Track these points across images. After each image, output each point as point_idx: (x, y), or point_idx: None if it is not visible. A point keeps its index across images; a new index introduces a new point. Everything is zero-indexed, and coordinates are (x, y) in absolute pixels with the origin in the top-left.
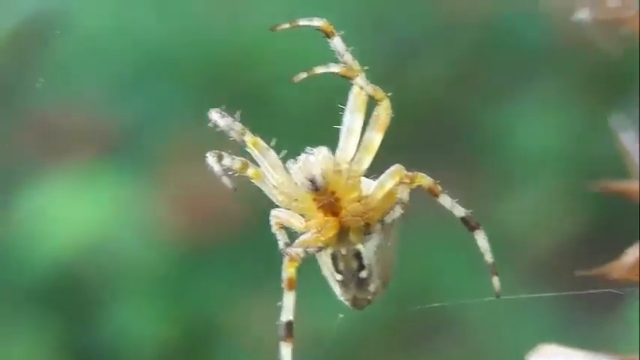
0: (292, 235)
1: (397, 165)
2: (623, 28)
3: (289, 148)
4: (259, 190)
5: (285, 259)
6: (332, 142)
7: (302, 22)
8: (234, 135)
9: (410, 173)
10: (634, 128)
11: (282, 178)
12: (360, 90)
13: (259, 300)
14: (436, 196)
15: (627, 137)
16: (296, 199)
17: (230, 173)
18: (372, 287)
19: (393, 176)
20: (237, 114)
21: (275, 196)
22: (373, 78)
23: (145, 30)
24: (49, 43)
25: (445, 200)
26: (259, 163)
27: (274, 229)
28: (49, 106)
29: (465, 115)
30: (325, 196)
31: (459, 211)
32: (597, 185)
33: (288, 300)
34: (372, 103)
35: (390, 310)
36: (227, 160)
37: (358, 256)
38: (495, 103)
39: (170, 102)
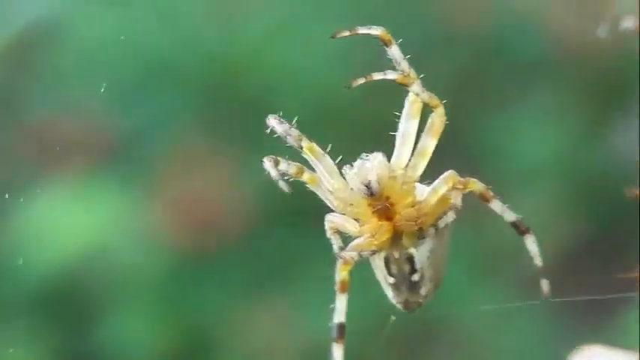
0: (346, 240)
1: (451, 171)
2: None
3: (288, 155)
4: (259, 198)
5: (339, 263)
6: (337, 145)
7: (361, 31)
8: (291, 141)
9: (462, 179)
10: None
11: (338, 183)
12: (415, 97)
13: (257, 309)
14: (487, 201)
15: None
16: (351, 204)
17: (286, 178)
18: (423, 290)
19: (447, 181)
20: (294, 121)
21: (330, 201)
22: (372, 85)
23: (144, 39)
24: (48, 52)
25: (496, 205)
26: (315, 168)
27: (329, 233)
28: (47, 115)
29: (463, 124)
30: (380, 201)
31: (510, 216)
32: (632, 192)
33: (341, 302)
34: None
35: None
36: (283, 166)
37: (411, 260)
38: (494, 112)
39: (169, 111)
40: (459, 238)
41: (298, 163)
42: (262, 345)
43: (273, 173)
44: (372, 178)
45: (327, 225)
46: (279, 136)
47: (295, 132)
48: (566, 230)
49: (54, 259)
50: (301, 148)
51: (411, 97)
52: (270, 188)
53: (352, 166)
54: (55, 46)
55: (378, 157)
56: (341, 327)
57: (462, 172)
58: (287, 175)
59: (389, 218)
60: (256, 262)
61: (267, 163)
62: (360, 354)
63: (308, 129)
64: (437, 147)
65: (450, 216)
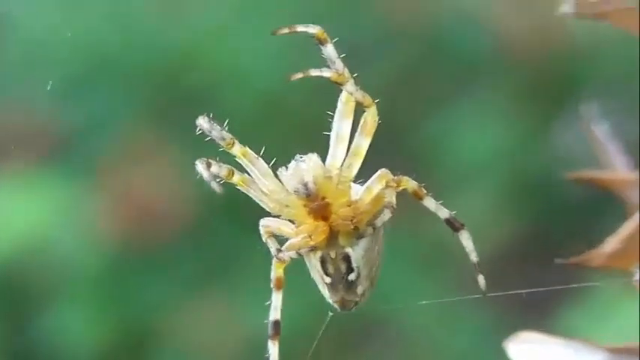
0: (282, 242)
1: (383, 169)
2: (603, 21)
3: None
4: (202, 194)
5: (274, 260)
6: (276, 143)
7: (299, 29)
8: (223, 144)
9: (395, 177)
10: (604, 119)
11: (272, 185)
12: (348, 97)
13: (197, 303)
14: (421, 198)
15: (599, 127)
16: (287, 206)
17: (217, 180)
18: (360, 289)
19: (380, 180)
20: (225, 124)
21: (265, 203)
22: (316, 84)
23: (90, 35)
24: None
25: (430, 203)
26: (249, 171)
27: (264, 237)
28: None
29: (404, 122)
30: (316, 201)
31: (444, 213)
32: (572, 175)
33: (276, 299)
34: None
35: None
36: (215, 168)
37: (347, 259)
38: (435, 111)
39: (114, 106)
40: (399, 235)
41: (229, 166)
42: (202, 339)
43: (205, 175)
44: (309, 178)
45: (262, 230)
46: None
47: (227, 135)
48: (507, 226)
49: None
50: (234, 152)
51: (343, 97)
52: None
53: (287, 167)
54: (0, 41)
55: (312, 158)
56: (276, 324)
57: (403, 171)
58: (219, 177)
59: (325, 218)
60: (198, 257)
61: (200, 166)
62: (298, 351)
63: (252, 125)
64: (377, 145)
65: (386, 214)
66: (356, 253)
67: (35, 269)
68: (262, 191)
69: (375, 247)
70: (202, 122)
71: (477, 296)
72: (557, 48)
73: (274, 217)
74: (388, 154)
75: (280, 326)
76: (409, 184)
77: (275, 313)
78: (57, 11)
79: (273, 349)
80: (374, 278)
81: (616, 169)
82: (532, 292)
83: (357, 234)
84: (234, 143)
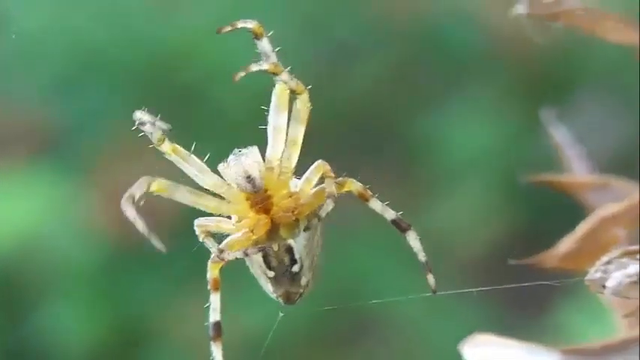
0: (218, 238)
1: (319, 160)
2: (556, 22)
3: (226, 147)
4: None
5: (210, 261)
6: (266, 140)
7: (239, 24)
8: (153, 141)
9: (339, 179)
10: (567, 121)
11: (212, 180)
12: (282, 89)
13: (190, 299)
14: (367, 200)
15: (559, 131)
16: (228, 201)
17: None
18: (303, 280)
19: (318, 170)
20: (159, 117)
21: (202, 204)
22: (310, 81)
23: (81, 30)
24: None
25: (375, 204)
26: (184, 169)
27: (201, 238)
28: None
29: (399, 117)
30: (259, 194)
31: (390, 215)
32: (532, 178)
33: (215, 301)
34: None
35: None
36: (138, 191)
37: (290, 250)
38: (429, 106)
39: (104, 102)
40: (390, 230)
41: (143, 179)
42: (195, 335)
43: (131, 214)
44: (254, 171)
45: (197, 230)
46: (217, 128)
47: (158, 133)
48: (498, 223)
49: None
50: (163, 151)
51: (277, 89)
52: None
53: (228, 162)
54: None
55: (253, 151)
56: (217, 325)
57: (397, 167)
58: (144, 195)
59: (267, 211)
60: (191, 254)
61: (126, 205)
62: (283, 349)
63: (242, 123)
64: (370, 142)
65: (329, 204)
66: (298, 244)
67: (27, 266)
68: (197, 192)
69: (314, 237)
70: (139, 115)
71: (466, 290)
72: (548, 46)
73: (209, 216)
74: (380, 152)
75: (221, 327)
76: (353, 185)
77: (215, 315)
78: (49, 9)
79: (217, 350)
80: (315, 268)
81: (574, 172)
82: (526, 288)
83: (298, 226)
84: (164, 140)
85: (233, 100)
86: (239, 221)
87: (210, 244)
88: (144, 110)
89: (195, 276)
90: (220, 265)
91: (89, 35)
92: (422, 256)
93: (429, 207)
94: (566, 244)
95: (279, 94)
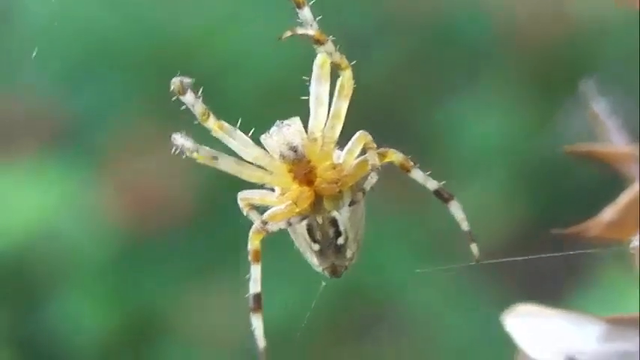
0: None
1: (361, 131)
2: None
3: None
4: (207, 182)
5: (252, 231)
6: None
7: (299, 31)
8: (197, 116)
9: (381, 149)
10: (603, 96)
11: (255, 152)
12: (324, 60)
13: (202, 290)
14: (408, 171)
15: (598, 103)
16: (271, 172)
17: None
18: (349, 253)
19: (360, 141)
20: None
21: (246, 174)
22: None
23: (93, 20)
24: None
25: (417, 174)
26: (229, 144)
27: (245, 211)
28: None
29: (412, 107)
30: (302, 165)
31: (432, 184)
32: (572, 148)
33: (255, 272)
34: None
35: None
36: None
37: (334, 223)
38: (442, 96)
39: (117, 93)
40: (403, 221)
41: (197, 146)
42: (208, 325)
43: (188, 144)
44: (297, 141)
45: (241, 204)
46: (232, 117)
47: (200, 107)
48: (515, 212)
49: (1, 238)
50: (210, 127)
51: (319, 60)
52: (218, 172)
53: (270, 133)
54: (3, 27)
55: (296, 122)
56: (257, 297)
57: (410, 157)
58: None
59: (310, 183)
60: (203, 245)
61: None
62: (301, 341)
63: (255, 113)
64: (383, 132)
65: (373, 177)
66: (342, 216)
67: (40, 257)
68: (241, 163)
69: (358, 209)
70: (177, 81)
71: (472, 264)
72: (562, 34)
73: (252, 189)
74: (394, 142)
75: (261, 299)
76: (395, 156)
77: (255, 286)
78: None
79: (257, 322)
80: (360, 241)
81: (613, 143)
82: (538, 275)
83: (342, 198)
84: (208, 115)
85: (248, 89)
86: (283, 194)
87: (253, 216)
88: (183, 80)
89: (208, 266)
90: (262, 236)
91: (101, 24)
92: (465, 226)
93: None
94: (609, 213)
95: (321, 64)
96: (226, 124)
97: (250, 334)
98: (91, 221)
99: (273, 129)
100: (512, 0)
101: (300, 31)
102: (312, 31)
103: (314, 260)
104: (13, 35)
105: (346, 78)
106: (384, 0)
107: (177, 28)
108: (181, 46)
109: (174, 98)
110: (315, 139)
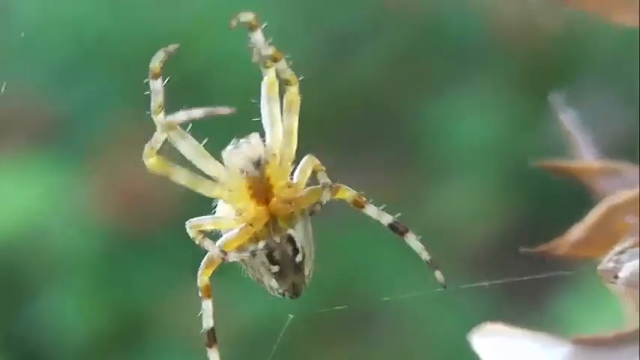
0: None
1: (308, 155)
2: (566, 6)
3: (225, 137)
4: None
5: (202, 265)
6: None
7: (241, 18)
8: (152, 107)
9: (333, 185)
10: (573, 107)
11: (214, 166)
12: (272, 80)
13: (191, 288)
14: (362, 207)
15: (567, 116)
16: (230, 189)
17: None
18: (307, 270)
19: (309, 164)
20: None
21: (203, 188)
22: (310, 70)
23: (82, 18)
24: None
25: (371, 210)
26: (182, 150)
27: (198, 240)
28: None
29: (400, 106)
30: (262, 182)
31: (387, 219)
32: (541, 163)
33: (207, 307)
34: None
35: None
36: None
37: (291, 240)
38: (431, 95)
39: (105, 90)
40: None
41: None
42: (196, 325)
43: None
44: (260, 155)
45: (191, 232)
46: (217, 118)
47: (159, 98)
48: (500, 214)
49: None
50: (164, 124)
51: (267, 80)
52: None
53: (231, 148)
54: None
55: (255, 137)
56: (211, 332)
57: (399, 158)
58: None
59: (266, 201)
60: (191, 243)
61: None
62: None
63: (245, 112)
64: (372, 131)
65: (327, 193)
66: (298, 233)
67: (26, 255)
68: (198, 177)
69: (308, 226)
70: (163, 55)
71: (477, 284)
72: (552, 35)
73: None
74: (382, 141)
75: (215, 333)
76: (347, 193)
77: (207, 321)
78: None
79: (214, 356)
80: (314, 256)
81: (582, 158)
82: (526, 281)
83: (294, 216)
84: (161, 110)
85: (234, 90)
86: (239, 214)
87: (208, 244)
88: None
89: (195, 265)
90: (212, 271)
91: (90, 23)
92: (425, 255)
93: (432, 196)
94: (577, 231)
95: (270, 84)
96: (178, 126)
97: (239, 334)
98: (78, 220)
99: (234, 143)
100: (502, 1)
101: (262, 49)
102: (269, 49)
103: (272, 283)
104: (2, 33)
105: (294, 93)
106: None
107: (166, 27)
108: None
109: (145, 80)
110: (274, 156)
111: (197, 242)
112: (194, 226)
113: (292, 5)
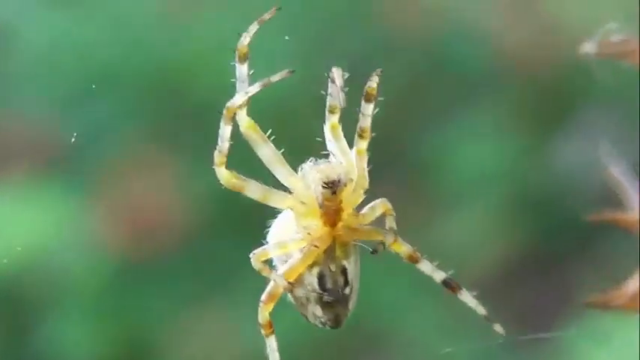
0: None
1: (383, 198)
2: (624, 61)
3: (236, 162)
4: (202, 207)
5: (261, 305)
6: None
7: (246, 39)
8: (235, 103)
9: (393, 239)
10: (624, 159)
11: (292, 175)
12: (334, 124)
13: (197, 315)
14: (416, 262)
15: (618, 168)
16: (303, 202)
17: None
18: (351, 304)
19: (382, 206)
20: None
21: (274, 200)
22: (319, 96)
23: (91, 45)
24: None
25: (426, 266)
26: (258, 151)
27: (264, 272)
28: None
29: (406, 134)
30: (334, 202)
31: (440, 275)
32: (596, 216)
33: (272, 343)
34: None
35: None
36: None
37: (345, 272)
38: (437, 123)
39: (113, 116)
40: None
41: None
42: (202, 351)
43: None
44: (341, 175)
45: (257, 265)
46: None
47: (244, 95)
48: (506, 242)
49: None
50: (238, 116)
51: (330, 124)
52: (212, 198)
53: (312, 164)
54: (2, 50)
55: (335, 160)
56: None
57: (403, 186)
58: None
59: (333, 224)
60: (197, 270)
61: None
62: None
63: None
64: (378, 158)
65: (390, 236)
66: (351, 266)
67: (33, 280)
68: (268, 189)
69: (358, 262)
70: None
71: (500, 341)
72: (557, 63)
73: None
74: (388, 168)
75: None
76: (403, 248)
77: (274, 355)
78: (59, 23)
79: None
80: (358, 291)
81: (634, 209)
82: (533, 307)
83: (350, 249)
84: (244, 107)
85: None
86: (306, 232)
87: (275, 277)
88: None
89: (203, 291)
90: (272, 306)
91: (99, 49)
92: (481, 310)
93: (436, 225)
94: (633, 284)
95: (333, 128)
96: (258, 128)
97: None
98: (85, 244)
99: (319, 161)
100: (508, 27)
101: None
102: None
103: (316, 311)
104: (12, 59)
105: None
106: (378, 27)
107: (175, 53)
108: (179, 71)
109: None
110: (351, 180)
111: (263, 274)
112: (259, 256)
113: (304, 31)
